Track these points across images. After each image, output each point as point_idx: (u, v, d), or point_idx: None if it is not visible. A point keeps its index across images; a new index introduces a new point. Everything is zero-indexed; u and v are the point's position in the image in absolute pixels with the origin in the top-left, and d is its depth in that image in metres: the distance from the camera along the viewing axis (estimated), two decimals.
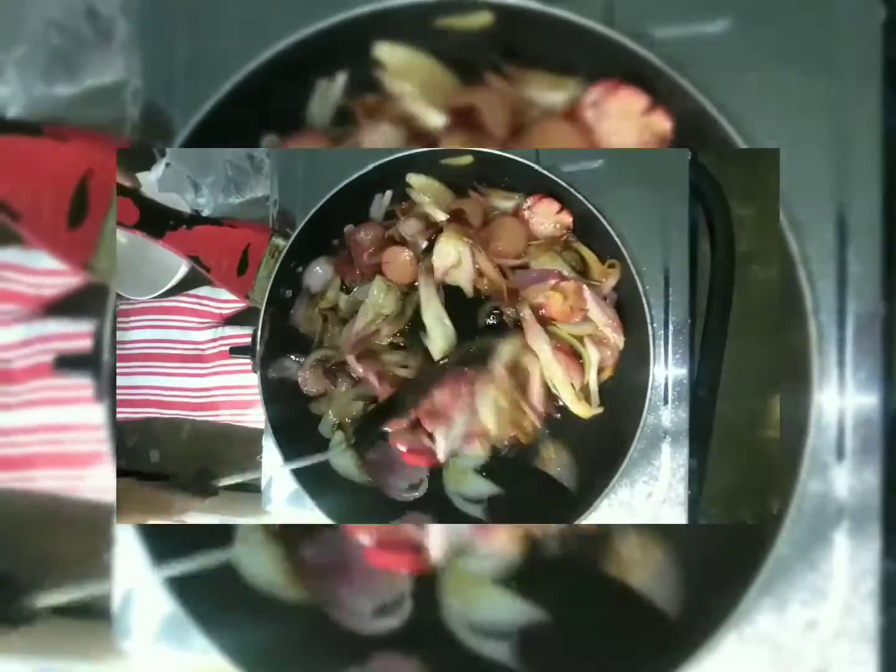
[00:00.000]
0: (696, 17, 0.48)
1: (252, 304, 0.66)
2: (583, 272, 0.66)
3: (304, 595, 0.47)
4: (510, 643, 0.48)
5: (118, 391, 0.59)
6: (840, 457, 0.48)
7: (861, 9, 0.47)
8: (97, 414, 0.48)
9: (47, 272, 0.62)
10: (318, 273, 0.69)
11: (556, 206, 0.65)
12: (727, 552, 0.48)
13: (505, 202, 0.67)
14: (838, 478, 0.48)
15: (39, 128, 0.41)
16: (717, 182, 0.72)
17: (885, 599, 0.45)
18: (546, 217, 0.66)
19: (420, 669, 0.47)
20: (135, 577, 0.46)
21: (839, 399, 0.50)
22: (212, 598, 0.46)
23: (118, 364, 0.59)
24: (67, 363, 0.50)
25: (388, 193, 0.69)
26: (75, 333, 0.50)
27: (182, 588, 0.44)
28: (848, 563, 0.46)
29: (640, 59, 0.45)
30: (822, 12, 0.47)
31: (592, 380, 0.65)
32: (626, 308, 0.64)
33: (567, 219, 0.66)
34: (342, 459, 0.65)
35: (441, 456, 0.63)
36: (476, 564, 0.51)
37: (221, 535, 0.50)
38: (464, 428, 0.63)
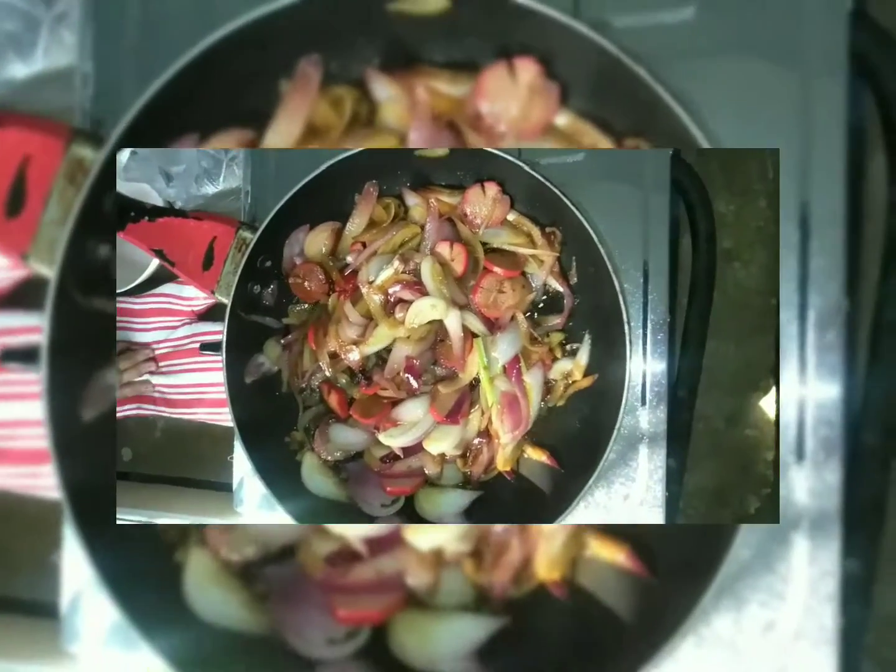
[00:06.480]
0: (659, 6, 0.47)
1: (218, 299, 0.64)
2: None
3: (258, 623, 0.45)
4: (469, 660, 0.46)
5: None
6: (800, 458, 0.46)
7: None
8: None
9: None
10: None
11: (493, 189, 0.63)
12: (688, 554, 0.47)
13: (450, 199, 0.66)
14: (798, 479, 0.46)
15: None
16: (698, 177, 0.71)
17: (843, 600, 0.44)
18: (479, 200, 0.64)
19: None
20: (83, 579, 0.44)
21: (799, 399, 0.48)
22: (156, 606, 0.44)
23: None
24: (13, 357, 0.48)
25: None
26: (22, 328, 0.48)
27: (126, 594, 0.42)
28: (807, 564, 0.45)
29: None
30: (788, 2, 0.46)
31: None
32: (603, 308, 0.62)
33: (504, 205, 0.64)
34: (316, 478, 0.64)
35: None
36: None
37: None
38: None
